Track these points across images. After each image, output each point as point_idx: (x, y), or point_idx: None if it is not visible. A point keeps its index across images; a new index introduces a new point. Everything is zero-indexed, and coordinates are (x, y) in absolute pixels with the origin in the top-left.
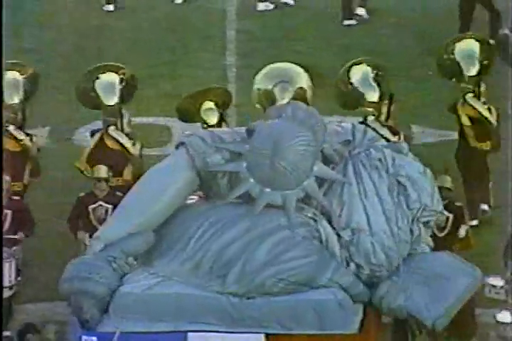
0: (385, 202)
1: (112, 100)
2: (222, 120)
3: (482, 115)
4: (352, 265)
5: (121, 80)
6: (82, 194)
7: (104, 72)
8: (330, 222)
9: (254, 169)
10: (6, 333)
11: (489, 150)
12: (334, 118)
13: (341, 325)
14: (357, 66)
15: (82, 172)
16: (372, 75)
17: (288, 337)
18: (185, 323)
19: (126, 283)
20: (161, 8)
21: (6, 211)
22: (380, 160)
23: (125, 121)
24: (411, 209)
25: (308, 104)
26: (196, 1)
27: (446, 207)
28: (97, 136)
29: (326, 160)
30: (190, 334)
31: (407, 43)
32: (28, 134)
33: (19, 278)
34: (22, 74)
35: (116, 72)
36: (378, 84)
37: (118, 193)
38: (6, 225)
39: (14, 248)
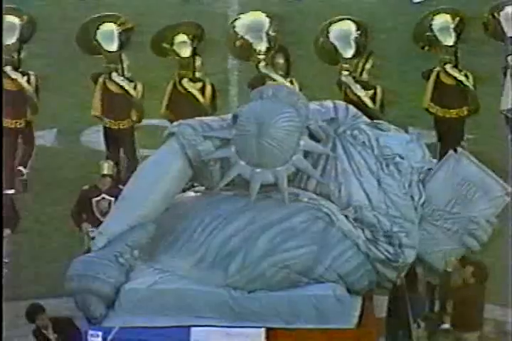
0: (378, 175)
1: (112, 47)
2: (195, 53)
3: (461, 82)
4: (365, 241)
5: (120, 29)
6: (85, 187)
7: (103, 23)
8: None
9: (242, 151)
10: None
11: (466, 116)
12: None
13: (340, 319)
14: (336, 23)
15: (97, 117)
16: (352, 32)
17: (288, 331)
18: (189, 318)
19: (132, 280)
20: (164, 11)
21: None
22: (363, 143)
23: (125, 65)
24: (405, 175)
25: (285, 49)
26: (198, 5)
27: None
28: (101, 81)
29: (313, 138)
30: (193, 328)
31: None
32: (24, 74)
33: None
34: (19, 19)
35: (115, 22)
36: (356, 42)
37: (120, 186)
38: None
39: None
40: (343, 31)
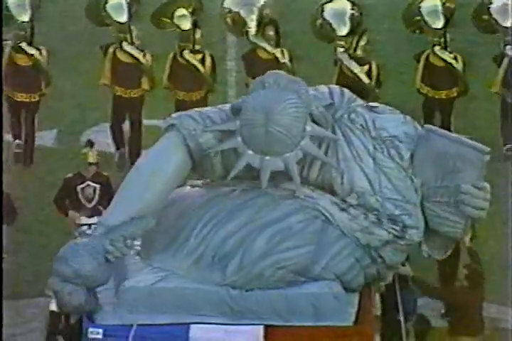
0: (378, 158)
1: (122, 18)
2: (195, 26)
3: (450, 64)
4: (365, 229)
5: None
6: (69, 175)
7: None
8: (332, 192)
9: (250, 141)
10: None
11: (456, 97)
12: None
13: (337, 316)
14: (332, 1)
15: (107, 85)
16: (347, 10)
17: (286, 329)
18: (187, 315)
19: (130, 278)
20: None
21: None
22: (362, 126)
23: (134, 35)
24: (403, 157)
25: (276, 21)
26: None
27: None
28: (110, 52)
29: (316, 123)
30: (192, 326)
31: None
32: (37, 49)
33: None
34: None
35: None
36: (351, 20)
37: (104, 173)
38: None
39: None
40: (338, 9)
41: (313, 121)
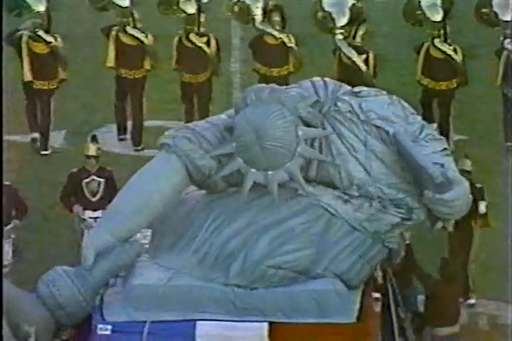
0: (370, 144)
1: (124, 2)
2: (200, 11)
3: (449, 56)
4: (377, 211)
5: None
6: (74, 170)
7: None
8: (333, 186)
9: (249, 161)
10: None
11: (456, 87)
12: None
13: (340, 313)
14: None
15: (112, 68)
16: (348, 1)
17: (290, 325)
18: (194, 313)
19: (137, 276)
20: (171, 17)
21: None
22: (350, 111)
23: (136, 18)
24: (393, 140)
25: (281, 7)
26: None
27: None
28: (113, 35)
29: (306, 124)
30: (198, 322)
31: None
32: (53, 36)
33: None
34: None
35: None
36: (351, 10)
37: (108, 168)
38: None
39: (8, 227)
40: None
41: (304, 123)
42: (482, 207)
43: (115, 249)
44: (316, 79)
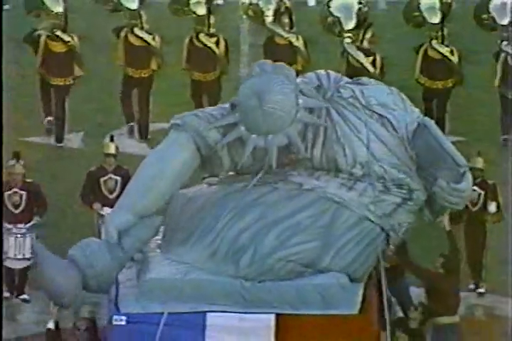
0: (374, 128)
1: (133, 5)
2: (209, 12)
3: (446, 57)
4: (380, 193)
5: None
6: (92, 168)
7: None
8: (337, 169)
9: (251, 126)
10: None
11: (452, 87)
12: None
13: (343, 305)
14: None
15: (121, 65)
16: (354, 5)
17: (296, 317)
18: (204, 305)
19: (151, 269)
20: (180, 19)
21: (21, 192)
22: (352, 97)
23: (144, 20)
24: (393, 126)
25: (290, 10)
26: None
27: (478, 185)
28: (122, 36)
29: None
30: (209, 314)
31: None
32: (70, 36)
33: None
34: None
35: None
36: (358, 14)
37: (125, 167)
38: (22, 204)
39: (30, 223)
40: (345, 4)
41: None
42: (492, 207)
43: (136, 226)
44: (320, 71)
